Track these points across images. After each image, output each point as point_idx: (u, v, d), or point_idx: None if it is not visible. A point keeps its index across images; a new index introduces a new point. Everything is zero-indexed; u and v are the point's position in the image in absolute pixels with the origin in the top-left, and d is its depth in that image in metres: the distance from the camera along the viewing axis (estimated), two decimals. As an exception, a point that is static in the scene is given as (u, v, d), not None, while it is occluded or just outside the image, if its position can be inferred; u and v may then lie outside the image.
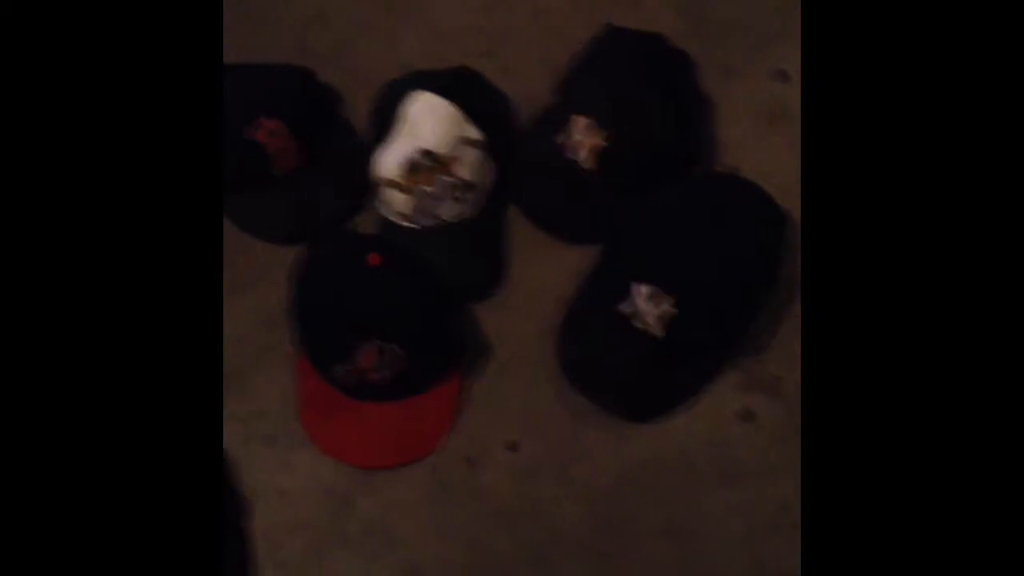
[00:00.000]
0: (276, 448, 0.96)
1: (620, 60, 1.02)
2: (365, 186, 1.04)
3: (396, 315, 0.91)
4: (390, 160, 0.99)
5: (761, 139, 1.09)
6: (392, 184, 0.99)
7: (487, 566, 0.91)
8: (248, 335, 1.01)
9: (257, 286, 1.03)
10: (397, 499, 0.94)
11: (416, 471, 0.95)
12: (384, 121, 1.01)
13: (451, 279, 0.97)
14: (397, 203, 1.00)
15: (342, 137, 1.09)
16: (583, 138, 0.99)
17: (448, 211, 1.00)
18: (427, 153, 0.97)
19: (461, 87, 1.02)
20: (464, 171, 0.99)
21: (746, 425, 0.95)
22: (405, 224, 1.01)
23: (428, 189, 0.98)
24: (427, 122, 0.98)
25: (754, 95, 1.11)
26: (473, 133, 1.00)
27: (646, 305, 0.91)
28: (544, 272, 1.03)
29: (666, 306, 0.90)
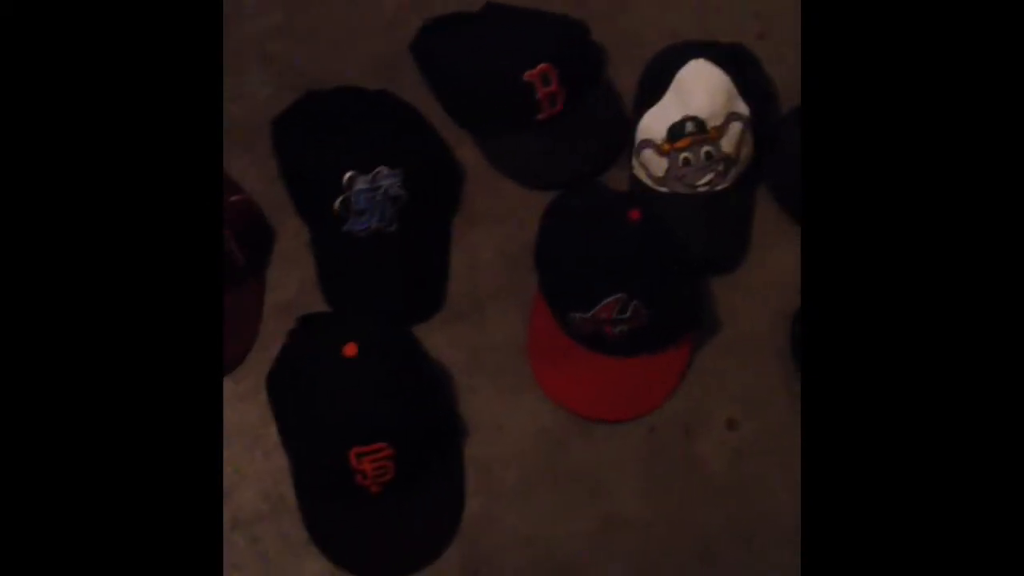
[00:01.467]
0: (500, 383, 0.99)
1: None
2: (622, 145, 1.06)
3: (648, 272, 0.92)
4: (656, 122, 1.00)
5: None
6: (654, 147, 1.00)
7: (689, 534, 0.92)
8: (489, 268, 1.04)
9: (504, 223, 1.06)
10: (610, 452, 0.95)
11: (633, 428, 0.96)
12: (655, 84, 1.02)
13: (695, 248, 0.97)
14: (654, 166, 1.01)
15: (605, 94, 1.11)
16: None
17: (703, 181, 1.00)
18: (695, 120, 0.98)
19: (736, 62, 1.02)
20: (727, 144, 0.99)
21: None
22: (658, 188, 1.02)
23: (688, 156, 0.99)
24: (700, 90, 0.98)
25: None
26: (742, 108, 1.00)
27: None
28: (785, 258, 1.02)
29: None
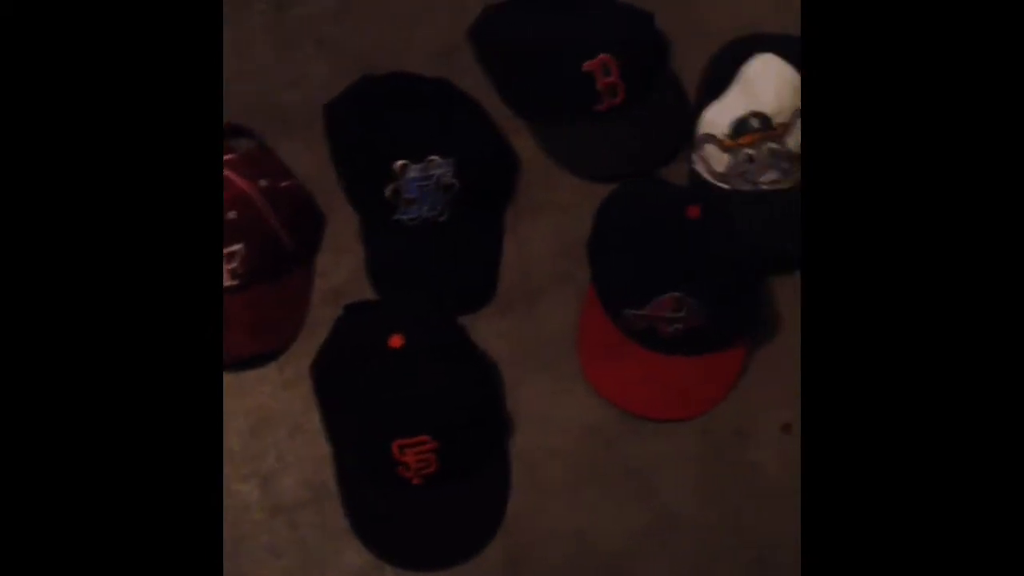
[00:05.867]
0: (549, 375, 0.97)
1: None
2: (682, 139, 1.03)
3: (707, 270, 0.89)
4: (719, 117, 0.97)
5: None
6: (716, 142, 0.97)
7: (742, 538, 0.90)
8: (544, 259, 1.02)
9: (559, 214, 1.04)
10: (660, 450, 0.93)
11: (684, 429, 0.94)
12: (720, 77, 0.99)
13: (758, 247, 0.94)
14: (717, 162, 0.98)
15: (668, 86, 1.08)
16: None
17: (767, 179, 0.97)
18: (761, 116, 0.95)
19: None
20: (793, 141, 0.96)
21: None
22: (719, 184, 0.99)
23: (751, 153, 0.96)
24: (767, 85, 0.95)
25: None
26: (810, 105, 0.97)
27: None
28: (849, 261, 1.00)
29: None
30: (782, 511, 0.89)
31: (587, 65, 1.00)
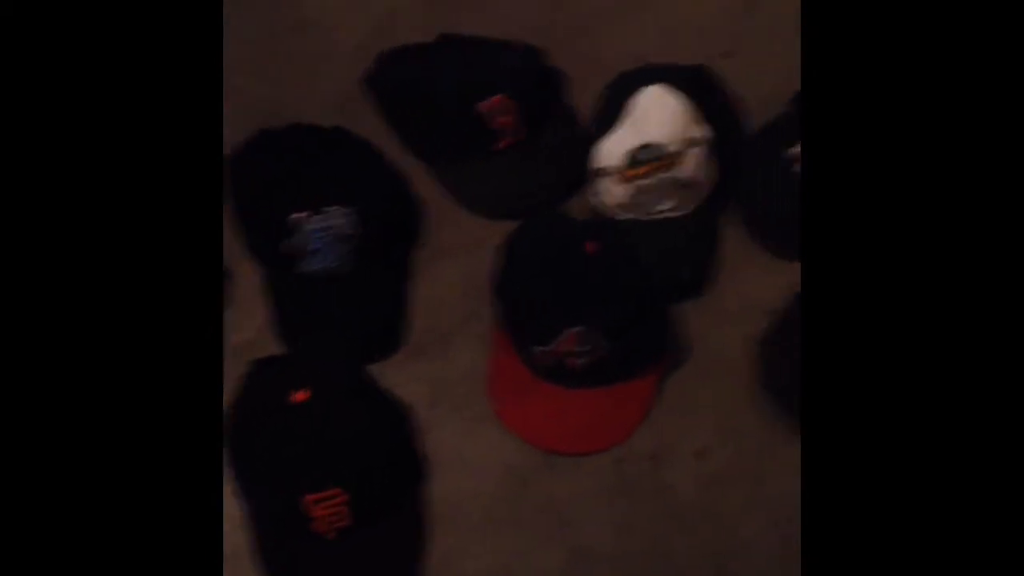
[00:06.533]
0: (464, 417, 0.97)
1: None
2: (582, 172, 1.04)
3: (608, 303, 0.90)
4: (613, 149, 0.98)
5: None
6: (612, 174, 0.99)
7: (662, 566, 0.90)
8: (450, 301, 1.02)
9: (464, 255, 1.04)
10: (576, 486, 0.93)
11: (599, 461, 0.94)
12: (612, 110, 1.00)
13: (659, 276, 0.95)
14: (614, 194, 0.99)
15: (564, 121, 1.09)
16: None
17: (664, 207, 0.99)
18: (652, 147, 0.96)
19: (696, 85, 1.00)
20: (687, 169, 0.97)
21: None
22: (618, 215, 1.00)
23: (647, 183, 0.97)
24: (656, 116, 0.97)
25: None
26: (701, 132, 0.98)
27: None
28: (753, 283, 1.01)
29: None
30: (699, 535, 0.90)
31: (482, 106, 1.01)
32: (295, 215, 0.95)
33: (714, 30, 1.17)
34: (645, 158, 0.96)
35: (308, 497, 0.85)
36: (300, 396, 0.86)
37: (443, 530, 0.92)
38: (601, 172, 1.00)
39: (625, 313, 0.91)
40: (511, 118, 1.02)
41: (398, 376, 0.98)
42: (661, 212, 0.99)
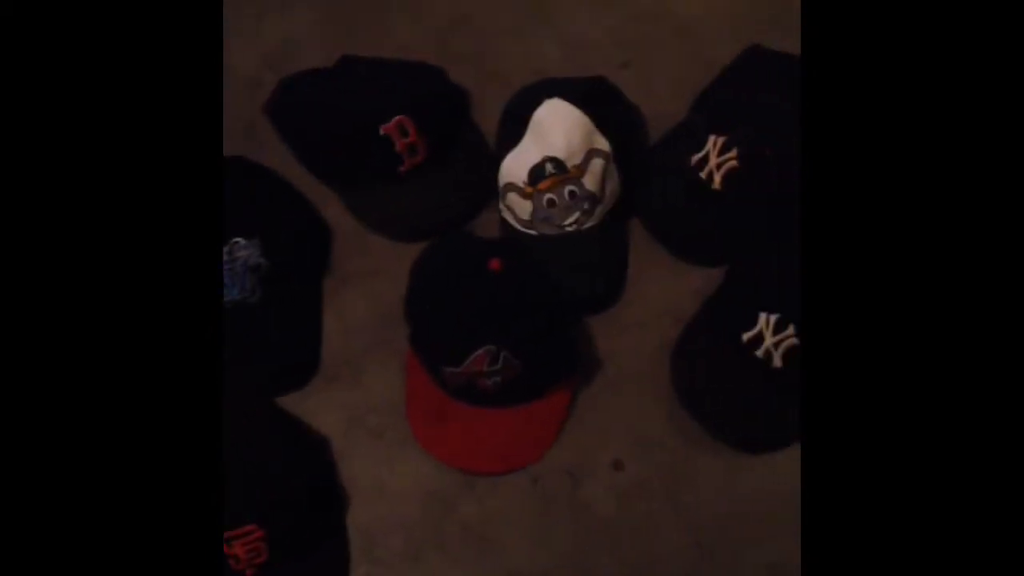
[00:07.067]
0: (381, 443, 0.96)
1: (762, 81, 0.99)
2: (489, 189, 1.03)
3: (514, 321, 0.89)
4: (516, 166, 0.98)
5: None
6: (516, 190, 0.98)
7: (581, 582, 0.90)
8: (363, 326, 1.02)
9: (375, 279, 1.04)
10: (497, 506, 0.93)
11: (518, 480, 0.94)
12: (514, 126, 1.00)
13: (568, 289, 0.95)
14: (520, 209, 0.99)
15: (469, 139, 1.09)
16: (717, 158, 0.97)
17: (570, 220, 0.99)
18: (554, 161, 0.96)
19: (595, 97, 1.00)
20: (590, 181, 0.97)
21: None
22: (526, 231, 1.00)
23: (552, 197, 0.97)
24: (556, 130, 0.96)
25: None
26: (602, 144, 0.98)
27: (770, 334, 0.88)
28: (663, 290, 1.01)
29: (791, 337, 0.87)
30: (620, 549, 0.90)
31: (384, 128, 1.00)
32: (196, 250, 0.94)
33: (612, 42, 1.18)
34: (547, 172, 0.96)
35: (225, 534, 0.83)
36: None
37: (366, 559, 0.91)
38: (507, 188, 0.99)
39: (533, 330, 0.91)
40: (414, 139, 1.01)
41: (315, 405, 0.97)
42: (568, 225, 0.99)
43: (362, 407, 0.98)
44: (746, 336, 0.90)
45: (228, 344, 0.96)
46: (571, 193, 0.97)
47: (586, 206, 0.98)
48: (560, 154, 0.96)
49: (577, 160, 0.96)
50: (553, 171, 0.96)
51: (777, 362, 0.89)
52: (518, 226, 1.01)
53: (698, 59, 1.11)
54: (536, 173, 0.97)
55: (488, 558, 0.91)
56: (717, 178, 0.97)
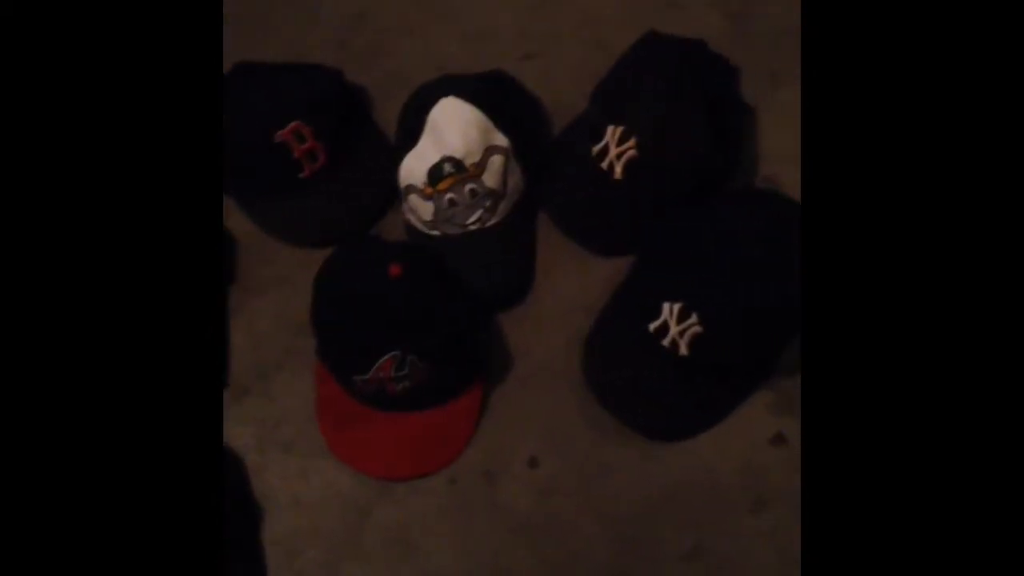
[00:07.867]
0: (294, 455, 0.95)
1: (660, 68, 0.99)
2: (392, 192, 1.02)
3: (417, 325, 0.89)
4: (415, 167, 0.97)
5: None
6: (417, 192, 0.97)
7: (502, 581, 0.90)
8: (270, 338, 1.00)
9: (281, 289, 1.02)
10: (415, 511, 0.92)
11: (434, 483, 0.93)
12: (412, 126, 0.99)
13: (475, 288, 0.95)
14: (422, 210, 0.98)
15: (371, 141, 1.08)
16: (616, 148, 0.97)
17: (473, 219, 0.98)
18: (452, 160, 0.95)
19: (492, 92, 0.99)
20: (490, 179, 0.97)
21: (778, 449, 0.92)
22: (430, 231, 0.99)
23: (452, 197, 0.96)
24: (453, 128, 0.95)
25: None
26: (501, 140, 0.97)
27: (675, 323, 0.88)
28: (571, 284, 1.01)
29: (695, 325, 0.87)
30: (539, 546, 0.90)
31: (279, 135, 0.99)
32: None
33: (514, 34, 1.16)
34: (446, 172, 0.95)
35: None
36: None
37: (286, 573, 0.90)
38: (408, 190, 0.98)
39: (438, 333, 0.90)
40: (311, 144, 1.00)
41: (225, 420, 0.96)
42: (471, 224, 0.98)
43: (274, 420, 0.97)
44: (652, 326, 0.90)
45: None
46: (472, 192, 0.96)
47: (488, 204, 0.97)
48: (458, 153, 0.95)
49: (476, 158, 0.95)
50: (452, 171, 0.95)
51: (684, 350, 0.89)
52: (422, 227, 1.00)
53: (602, 48, 1.10)
54: (435, 174, 0.96)
55: (409, 563, 0.90)
56: (618, 168, 0.97)
